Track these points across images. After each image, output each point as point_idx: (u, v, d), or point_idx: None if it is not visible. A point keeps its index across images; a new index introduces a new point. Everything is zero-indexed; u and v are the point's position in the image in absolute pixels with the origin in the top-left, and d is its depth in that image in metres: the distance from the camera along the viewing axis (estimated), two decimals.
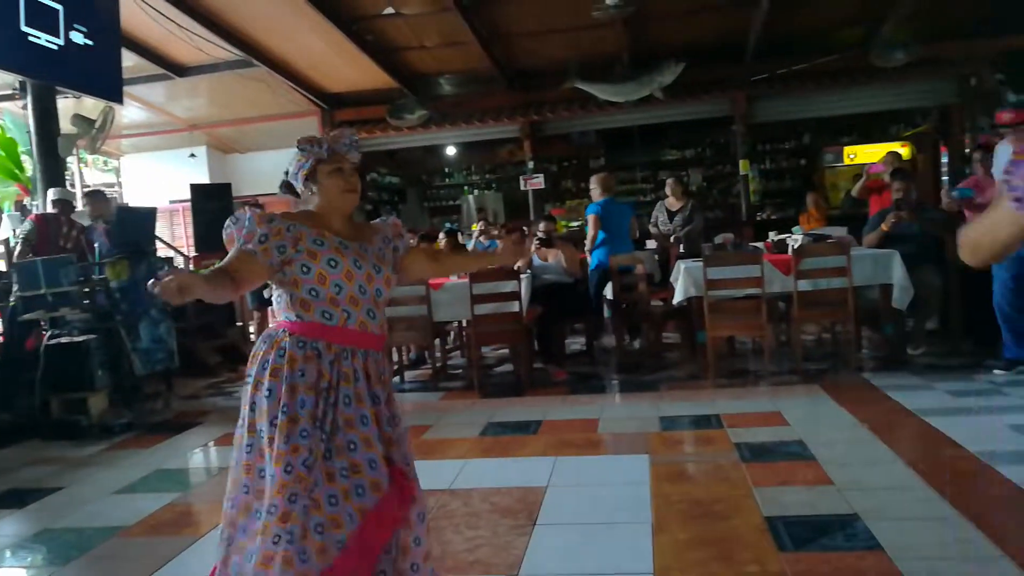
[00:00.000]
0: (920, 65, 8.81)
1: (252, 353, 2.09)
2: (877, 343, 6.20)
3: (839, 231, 6.53)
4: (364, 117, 10.51)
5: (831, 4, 8.13)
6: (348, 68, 9.30)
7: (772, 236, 6.45)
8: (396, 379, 6.28)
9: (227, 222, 2.05)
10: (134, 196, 12.19)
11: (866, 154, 11.17)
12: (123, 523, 3.49)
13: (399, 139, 10.67)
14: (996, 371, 5.03)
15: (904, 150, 10.62)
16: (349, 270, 2.04)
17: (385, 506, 1.99)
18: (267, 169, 12.21)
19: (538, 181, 10.31)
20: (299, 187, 2.16)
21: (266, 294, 8.16)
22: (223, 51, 8.51)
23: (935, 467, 3.42)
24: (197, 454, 4.84)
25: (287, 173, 2.18)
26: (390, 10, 7.80)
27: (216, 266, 1.96)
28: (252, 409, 2.02)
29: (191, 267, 8.47)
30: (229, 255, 2.00)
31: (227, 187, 10.70)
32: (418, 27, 8.36)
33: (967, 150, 9.38)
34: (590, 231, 6.80)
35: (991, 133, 7.26)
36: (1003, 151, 5.00)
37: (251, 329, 8.35)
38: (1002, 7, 7.96)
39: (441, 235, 8.18)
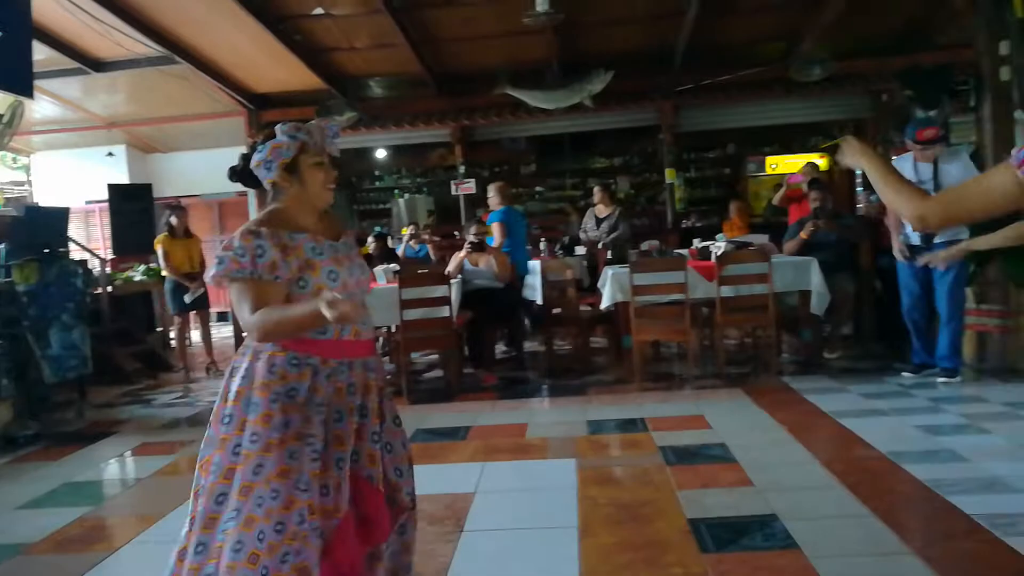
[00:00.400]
0: (835, 80, 9.18)
1: (231, 367, 1.98)
2: (796, 347, 6.42)
3: (761, 239, 6.69)
4: (291, 118, 9.97)
5: (753, 19, 8.40)
6: (275, 68, 9.08)
7: (696, 243, 6.60)
8: None
9: (220, 258, 1.89)
10: (46, 195, 11.63)
11: (787, 164, 11.54)
12: (28, 539, 3.31)
13: None
14: (904, 374, 5.28)
15: (822, 161, 11.02)
16: (345, 281, 1.96)
17: (345, 527, 1.92)
18: (190, 169, 11.86)
19: (469, 186, 10.29)
20: (271, 176, 1.99)
21: (187, 298, 7.82)
22: (143, 46, 8.20)
23: (848, 467, 3.56)
24: (111, 465, 4.63)
25: (246, 158, 2.04)
26: (319, 10, 7.66)
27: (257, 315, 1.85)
28: (229, 423, 1.90)
29: (108, 270, 8.13)
30: (249, 295, 1.86)
31: (148, 188, 10.35)
32: (347, 28, 8.24)
33: None
34: (496, 239, 6.79)
35: (901, 146, 7.62)
36: (899, 163, 5.25)
37: (171, 335, 8.06)
38: (911, 26, 8.39)
39: (370, 239, 8.06)
